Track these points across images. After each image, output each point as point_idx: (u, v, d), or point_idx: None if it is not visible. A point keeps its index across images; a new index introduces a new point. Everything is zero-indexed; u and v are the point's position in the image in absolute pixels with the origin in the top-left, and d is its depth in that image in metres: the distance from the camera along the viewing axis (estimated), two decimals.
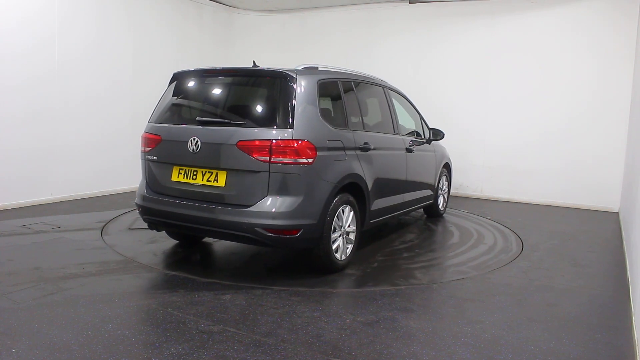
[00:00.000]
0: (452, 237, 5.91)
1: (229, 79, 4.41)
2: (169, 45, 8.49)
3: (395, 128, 5.48)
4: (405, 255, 5.02)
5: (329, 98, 4.61)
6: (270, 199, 3.87)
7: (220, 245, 5.15)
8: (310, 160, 3.93)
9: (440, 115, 7.97)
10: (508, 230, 6.31)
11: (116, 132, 7.58)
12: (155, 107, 4.64)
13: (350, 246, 4.50)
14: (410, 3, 8.94)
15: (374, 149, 4.77)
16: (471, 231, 6.15)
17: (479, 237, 5.85)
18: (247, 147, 3.88)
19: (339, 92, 4.64)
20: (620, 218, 7.05)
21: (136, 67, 7.86)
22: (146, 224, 4.62)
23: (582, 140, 7.87)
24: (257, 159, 3.86)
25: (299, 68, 4.37)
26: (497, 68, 8.37)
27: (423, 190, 6.15)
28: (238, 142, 3.91)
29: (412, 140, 5.82)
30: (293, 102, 3.98)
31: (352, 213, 4.44)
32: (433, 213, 6.84)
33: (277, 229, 3.86)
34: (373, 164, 4.75)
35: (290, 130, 3.88)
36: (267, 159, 3.83)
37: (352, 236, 4.50)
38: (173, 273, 4.21)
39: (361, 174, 4.50)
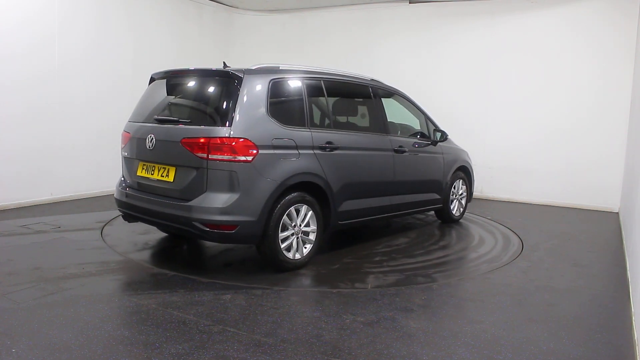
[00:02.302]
0: (446, 243, 5.70)
1: (186, 80, 4.65)
2: (169, 45, 8.49)
3: (382, 128, 5.36)
4: (377, 259, 4.89)
5: (287, 97, 4.58)
6: (208, 194, 3.99)
7: (219, 246, 5.14)
8: (249, 158, 4.00)
9: (441, 115, 7.95)
10: (510, 233, 6.30)
11: (116, 132, 7.49)
12: (135, 106, 4.89)
13: (309, 246, 4.49)
14: (410, 3, 8.94)
15: (342, 148, 4.73)
16: (473, 237, 6.00)
17: (477, 244, 5.71)
18: (189, 144, 4.06)
19: (301, 91, 4.59)
20: (620, 218, 7.05)
21: (136, 67, 7.86)
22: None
23: (582, 140, 7.87)
24: (197, 156, 4.00)
25: (253, 67, 4.43)
26: (497, 68, 8.37)
27: (425, 194, 5.96)
28: (182, 139, 4.10)
29: (415, 143, 5.72)
30: (236, 101, 4.07)
31: (310, 212, 4.45)
32: (445, 218, 6.50)
33: (213, 223, 3.97)
34: (341, 163, 4.70)
35: (228, 128, 3.98)
36: (206, 155, 3.97)
37: (312, 236, 4.49)
38: (173, 273, 4.21)
39: (320, 173, 4.47)
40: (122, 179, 4.81)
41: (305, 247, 4.48)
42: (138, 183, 4.54)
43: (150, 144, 4.34)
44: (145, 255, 4.88)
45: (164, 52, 8.36)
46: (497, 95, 8.42)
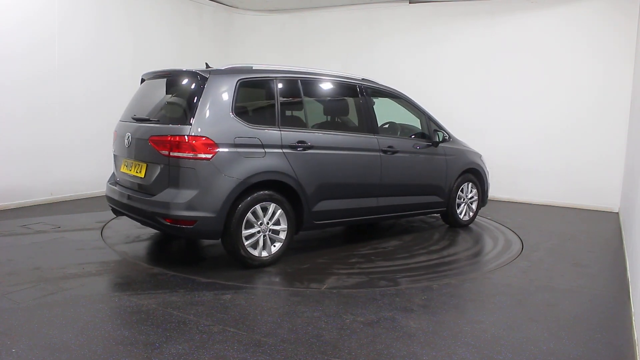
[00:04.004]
0: (439, 246, 5.44)
1: (165, 80, 4.78)
2: (169, 46, 8.49)
3: (369, 128, 5.24)
4: (353, 260, 4.78)
5: (255, 97, 4.70)
6: (169, 190, 4.16)
7: (219, 245, 5.14)
8: (208, 156, 4.10)
9: (441, 115, 7.92)
10: (510, 233, 6.30)
11: None
12: (126, 106, 5.13)
13: (278, 244, 4.51)
14: (410, 3, 8.94)
15: (318, 148, 4.71)
16: (471, 239, 5.86)
17: (472, 247, 5.59)
18: (155, 142, 4.26)
19: (272, 91, 4.62)
20: (620, 218, 7.05)
21: (136, 67, 7.83)
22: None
23: (582, 140, 7.87)
24: (161, 153, 4.19)
25: (222, 68, 4.53)
26: (497, 68, 8.37)
27: (423, 196, 5.80)
28: (150, 137, 4.31)
29: (411, 143, 5.61)
30: (198, 101, 4.19)
31: (280, 211, 4.46)
32: (451, 222, 6.25)
33: (172, 218, 4.12)
34: (315, 163, 4.68)
35: (189, 126, 4.11)
36: (168, 153, 4.14)
37: (282, 235, 4.51)
38: (173, 273, 4.21)
39: (289, 172, 4.48)
40: (113, 175, 5.08)
41: (275, 246, 4.50)
42: (121, 179, 4.81)
43: (128, 142, 4.60)
44: (146, 255, 4.89)
45: (164, 52, 8.36)
46: (497, 95, 8.41)
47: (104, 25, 7.36)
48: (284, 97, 4.71)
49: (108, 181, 5.09)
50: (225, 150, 4.17)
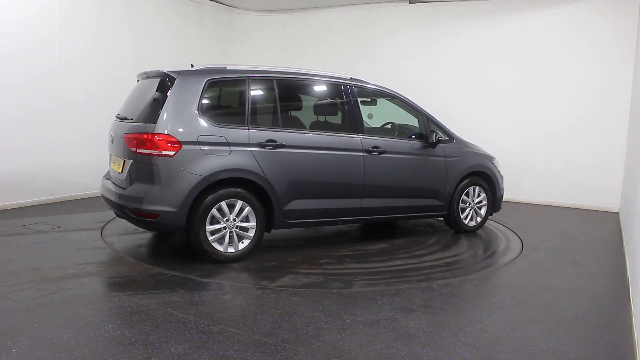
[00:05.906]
0: (427, 250, 5.23)
1: (149, 81, 4.91)
2: (168, 46, 8.48)
3: (353, 128, 5.13)
4: (324, 261, 4.71)
5: (224, 97, 4.92)
6: (137, 185, 4.39)
7: None
8: (171, 153, 4.26)
9: (441, 115, 7.89)
10: (510, 233, 6.30)
11: None
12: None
13: (247, 241, 4.56)
14: (410, 3, 8.94)
15: (290, 147, 4.70)
16: (469, 243, 5.68)
17: (466, 250, 5.43)
18: (127, 139, 4.48)
19: (244, 91, 4.72)
20: (620, 218, 7.05)
21: (136, 67, 7.78)
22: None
23: (582, 140, 7.86)
24: (130, 150, 4.42)
25: (194, 68, 4.75)
26: (498, 68, 8.36)
27: (418, 199, 5.58)
28: (123, 135, 4.55)
29: (403, 144, 5.45)
30: (164, 100, 4.39)
31: (248, 208, 4.51)
32: (456, 227, 5.94)
33: (137, 211, 4.35)
34: (287, 162, 4.69)
35: (153, 125, 4.31)
36: (135, 149, 4.36)
37: (250, 232, 4.56)
38: (173, 273, 4.21)
39: (257, 170, 4.52)
40: (108, 172, 5.26)
41: (243, 242, 4.56)
42: (111, 174, 5.02)
43: (111, 139, 4.89)
44: (145, 254, 4.89)
45: (164, 52, 8.35)
46: (497, 95, 8.41)
47: (104, 25, 7.35)
48: (256, 97, 4.84)
49: (103, 176, 5.25)
50: (188, 147, 4.31)
